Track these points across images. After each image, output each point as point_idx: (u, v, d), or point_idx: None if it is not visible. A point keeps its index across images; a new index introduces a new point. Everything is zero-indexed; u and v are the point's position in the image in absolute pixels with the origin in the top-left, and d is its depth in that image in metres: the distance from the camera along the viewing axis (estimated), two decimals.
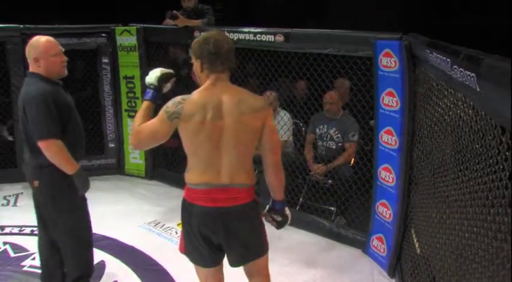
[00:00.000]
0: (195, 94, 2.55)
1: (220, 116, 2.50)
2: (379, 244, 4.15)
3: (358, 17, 7.39)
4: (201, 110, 2.48)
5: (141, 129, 2.58)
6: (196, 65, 2.60)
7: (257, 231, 2.71)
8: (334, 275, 3.99)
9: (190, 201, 2.63)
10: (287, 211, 2.86)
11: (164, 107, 2.55)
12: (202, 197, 2.58)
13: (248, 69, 5.47)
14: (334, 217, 4.82)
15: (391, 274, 3.98)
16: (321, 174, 4.91)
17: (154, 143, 2.64)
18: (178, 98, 2.54)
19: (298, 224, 4.73)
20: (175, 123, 2.51)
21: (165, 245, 4.46)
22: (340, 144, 4.99)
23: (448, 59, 2.43)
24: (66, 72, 3.38)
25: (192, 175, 2.61)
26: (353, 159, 4.95)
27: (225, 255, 2.77)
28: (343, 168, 4.86)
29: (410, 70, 3.65)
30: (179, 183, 5.76)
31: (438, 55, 2.64)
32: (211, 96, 2.52)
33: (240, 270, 2.81)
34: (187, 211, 2.64)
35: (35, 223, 4.59)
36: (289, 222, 2.88)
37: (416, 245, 3.53)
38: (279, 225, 2.85)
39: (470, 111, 2.32)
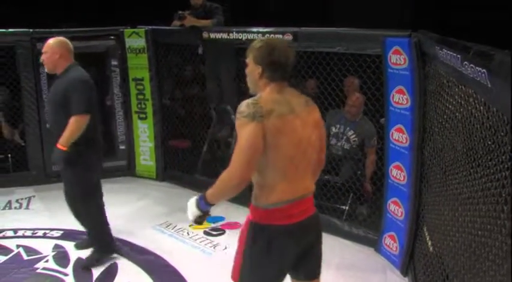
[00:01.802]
0: (264, 95, 2.39)
1: (295, 114, 2.37)
2: (391, 242, 4.13)
3: (366, 14, 7.36)
4: (278, 107, 2.33)
5: (233, 162, 2.27)
6: (254, 69, 2.45)
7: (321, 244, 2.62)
8: (346, 274, 3.98)
9: (267, 223, 2.39)
10: None
11: (238, 115, 2.31)
12: (286, 214, 2.38)
13: None
14: (347, 214, 4.80)
15: (404, 272, 3.96)
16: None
17: (255, 159, 2.27)
18: (248, 101, 2.34)
19: None
20: (262, 124, 2.26)
21: (177, 246, 4.47)
22: (354, 146, 4.97)
23: (458, 55, 2.41)
24: (46, 69, 4.02)
25: (273, 193, 2.36)
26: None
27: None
28: (347, 166, 4.87)
29: (420, 67, 3.63)
30: (190, 184, 5.84)
31: (448, 51, 2.63)
32: (281, 97, 2.39)
33: None
34: (263, 235, 2.39)
35: (47, 226, 4.64)
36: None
37: (429, 243, 3.51)
38: None
39: (481, 107, 2.30)
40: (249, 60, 2.48)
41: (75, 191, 4.00)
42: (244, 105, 2.32)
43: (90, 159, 3.94)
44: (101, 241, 4.14)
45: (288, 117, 2.34)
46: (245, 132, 2.27)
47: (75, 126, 3.73)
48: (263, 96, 2.38)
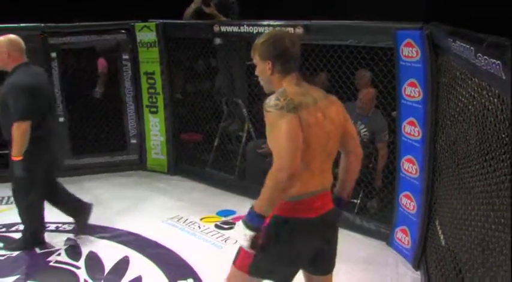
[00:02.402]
0: (289, 89, 2.31)
1: (319, 108, 2.32)
2: (403, 236, 4.11)
3: (378, 6, 7.31)
4: (305, 100, 2.27)
5: (277, 159, 2.16)
6: (264, 67, 2.38)
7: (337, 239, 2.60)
8: (358, 268, 3.96)
9: (289, 215, 2.34)
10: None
11: (271, 109, 2.22)
12: (308, 207, 2.35)
13: None
14: (358, 208, 4.78)
15: (416, 266, 3.94)
16: None
17: (299, 148, 2.18)
18: (275, 95, 2.27)
19: None
20: (297, 114, 2.20)
21: (188, 240, 4.47)
22: (365, 140, 4.95)
23: (471, 47, 2.39)
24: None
25: (296, 183, 2.22)
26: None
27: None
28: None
29: (433, 60, 3.60)
30: (201, 177, 5.85)
31: (461, 43, 2.60)
32: (303, 90, 2.34)
33: None
34: (284, 228, 2.33)
35: (60, 220, 4.66)
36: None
37: (441, 237, 3.49)
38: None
39: (495, 100, 2.27)
40: (256, 59, 2.42)
41: (16, 182, 4.03)
42: (273, 99, 2.24)
43: (36, 154, 3.90)
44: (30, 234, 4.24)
45: (314, 109, 2.29)
46: (284, 124, 2.18)
47: (16, 133, 3.77)
48: (288, 90, 2.30)
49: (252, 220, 2.21)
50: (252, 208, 2.23)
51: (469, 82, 2.71)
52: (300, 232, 2.35)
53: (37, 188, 4.07)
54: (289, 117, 2.19)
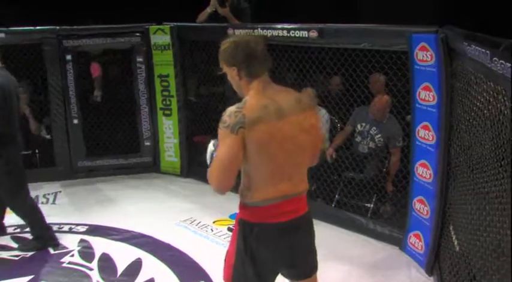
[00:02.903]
0: (250, 100, 2.30)
1: (284, 119, 2.29)
2: (416, 241, 4.08)
3: (392, 9, 7.29)
4: (264, 114, 2.24)
5: (210, 170, 2.32)
6: (231, 73, 2.38)
7: (314, 243, 2.59)
8: (370, 273, 3.94)
9: (256, 221, 2.36)
10: None
11: (220, 125, 2.27)
12: (274, 213, 2.35)
13: (282, 65, 5.45)
14: (371, 213, 4.76)
15: (429, 272, 3.91)
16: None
17: (233, 170, 2.26)
18: (232, 109, 2.27)
19: (333, 221, 4.71)
20: (242, 135, 2.21)
21: (200, 242, 4.48)
22: (380, 145, 4.93)
23: (487, 51, 2.37)
24: None
25: (259, 191, 2.33)
26: None
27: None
28: (372, 164, 4.83)
29: (447, 64, 3.57)
30: None
31: (477, 47, 2.58)
32: (267, 100, 2.30)
33: None
34: (252, 233, 2.36)
35: (73, 221, 4.70)
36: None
37: (455, 243, 3.46)
38: None
39: (511, 104, 2.25)
40: (223, 66, 2.42)
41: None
42: (227, 114, 2.26)
43: (8, 152, 4.06)
44: None
45: (275, 124, 2.26)
46: (224, 144, 2.25)
47: None
48: (248, 102, 2.29)
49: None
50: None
51: (484, 86, 2.69)
52: (266, 237, 2.36)
53: (25, 188, 4.25)
54: (231, 139, 2.22)
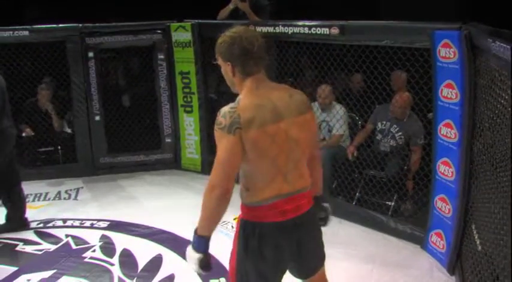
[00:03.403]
0: (243, 99, 2.28)
1: (280, 117, 2.26)
2: (438, 240, 4.04)
3: (414, 6, 7.21)
4: (259, 114, 2.22)
5: (212, 176, 2.26)
6: (226, 68, 2.36)
7: (321, 236, 2.57)
8: (391, 271, 3.92)
9: (257, 220, 2.34)
10: (326, 204, 2.68)
11: (216, 127, 2.25)
12: (273, 212, 2.32)
13: (303, 62, 5.44)
14: (392, 211, 4.73)
15: (451, 271, 3.87)
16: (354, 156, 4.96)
17: (232, 171, 2.23)
18: (225, 109, 2.25)
19: (354, 218, 4.69)
20: (239, 136, 2.19)
21: (221, 239, 4.47)
22: (401, 143, 4.89)
23: None
24: None
25: (257, 191, 2.32)
26: None
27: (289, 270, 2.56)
28: (393, 162, 4.80)
29: (471, 61, 3.53)
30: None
31: (501, 44, 2.54)
32: (262, 98, 2.27)
33: None
34: (254, 233, 2.34)
35: (95, 217, 4.75)
36: (330, 215, 2.69)
37: (478, 242, 3.42)
38: (324, 222, 2.66)
39: None
40: (219, 60, 2.39)
41: None
42: (221, 115, 2.24)
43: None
44: None
45: (270, 123, 2.24)
46: (222, 145, 2.21)
47: None
48: (242, 102, 2.26)
49: (198, 243, 2.29)
50: (195, 232, 2.30)
51: (509, 83, 2.65)
52: (268, 236, 2.33)
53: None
54: (228, 140, 2.19)
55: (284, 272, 2.50)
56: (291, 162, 2.33)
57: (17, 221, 4.58)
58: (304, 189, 2.41)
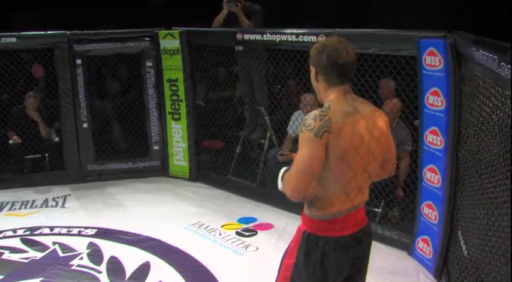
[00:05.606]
0: (334, 105, 2.23)
1: (365, 129, 2.25)
2: (424, 246, 4.07)
3: (401, 15, 7.29)
4: (349, 121, 2.20)
5: (289, 175, 2.22)
6: (312, 72, 2.35)
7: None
8: (378, 278, 3.93)
9: (322, 234, 2.30)
10: None
11: (303, 128, 2.19)
12: (339, 226, 2.29)
13: (285, 70, 5.46)
14: (380, 217, 4.76)
15: (438, 277, 3.90)
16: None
17: (312, 174, 2.18)
18: (316, 112, 2.20)
19: None
20: (325, 140, 2.14)
21: (209, 246, 4.49)
22: None
23: (495, 56, 2.37)
24: None
25: (328, 203, 2.27)
26: None
27: None
28: None
29: (456, 69, 3.58)
30: (223, 185, 5.87)
31: (485, 52, 2.58)
32: (351, 107, 2.25)
33: None
34: (317, 246, 2.30)
35: (82, 224, 4.72)
36: None
37: (464, 248, 3.45)
38: None
39: None
40: (311, 63, 2.38)
41: None
42: (311, 117, 2.19)
43: None
44: None
45: (357, 135, 2.22)
46: (307, 147, 2.17)
47: None
48: (333, 107, 2.23)
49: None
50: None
51: (493, 91, 2.69)
52: (332, 251, 2.30)
53: None
54: (314, 143, 2.15)
55: None
56: (366, 174, 2.32)
57: None
58: (363, 203, 2.40)
